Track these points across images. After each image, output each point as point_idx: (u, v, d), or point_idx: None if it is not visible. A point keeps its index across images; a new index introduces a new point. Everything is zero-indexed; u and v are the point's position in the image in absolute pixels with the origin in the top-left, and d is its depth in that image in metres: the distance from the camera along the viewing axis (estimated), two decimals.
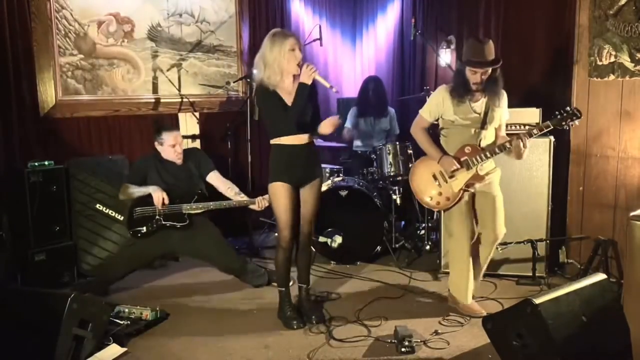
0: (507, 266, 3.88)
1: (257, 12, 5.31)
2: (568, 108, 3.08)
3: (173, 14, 4.80)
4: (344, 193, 4.30)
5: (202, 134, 4.96)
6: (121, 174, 4.12)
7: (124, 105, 4.57)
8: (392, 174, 4.44)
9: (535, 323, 2.37)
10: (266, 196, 3.30)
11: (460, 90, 3.19)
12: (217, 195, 3.80)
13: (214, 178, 3.83)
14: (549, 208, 3.79)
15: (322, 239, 4.17)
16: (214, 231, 3.79)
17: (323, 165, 4.73)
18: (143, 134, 4.60)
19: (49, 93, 4.15)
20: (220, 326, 3.28)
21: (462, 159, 3.21)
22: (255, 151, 4.96)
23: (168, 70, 4.79)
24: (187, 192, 3.74)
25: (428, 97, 3.62)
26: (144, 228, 3.68)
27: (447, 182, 3.28)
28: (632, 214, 2.72)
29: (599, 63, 3.77)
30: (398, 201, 4.49)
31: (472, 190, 3.29)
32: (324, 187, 4.37)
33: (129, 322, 3.19)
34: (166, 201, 3.62)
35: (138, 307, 3.32)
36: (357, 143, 5.13)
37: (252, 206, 3.63)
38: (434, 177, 3.31)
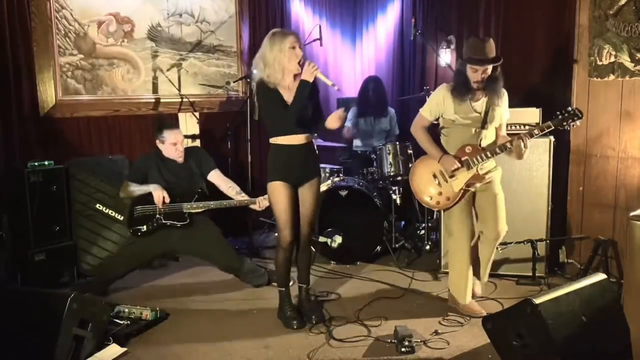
0: (507, 266, 3.88)
1: (257, 12, 5.31)
2: (569, 108, 3.08)
3: (173, 14, 4.80)
4: (344, 193, 4.30)
5: (202, 134, 4.96)
6: (121, 174, 4.13)
7: (124, 105, 4.57)
8: (392, 174, 4.44)
9: (535, 323, 2.37)
10: (267, 196, 3.30)
11: (461, 89, 3.18)
12: (218, 195, 3.80)
13: (215, 176, 3.84)
14: (549, 208, 3.79)
15: (322, 239, 4.17)
16: (214, 230, 3.79)
17: (323, 165, 4.74)
18: (143, 134, 4.60)
19: (49, 93, 4.15)
20: (220, 326, 3.28)
21: (462, 159, 3.21)
22: (255, 151, 4.96)
23: (168, 70, 4.79)
24: (188, 191, 3.74)
25: (428, 97, 3.61)
26: (144, 227, 3.68)
27: (447, 182, 3.27)
28: (632, 214, 2.72)
29: (599, 63, 3.77)
30: (398, 201, 4.49)
31: (473, 190, 3.29)
32: (324, 187, 4.37)
33: (129, 322, 3.19)
34: (167, 200, 3.63)
35: (138, 307, 3.32)
36: (357, 143, 5.13)
37: (252, 206, 3.64)
38: (434, 176, 3.30)
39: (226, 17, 5.13)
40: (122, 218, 4.09)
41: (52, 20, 4.12)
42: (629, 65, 3.60)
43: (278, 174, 3.13)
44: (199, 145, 4.84)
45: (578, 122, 3.07)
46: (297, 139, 3.12)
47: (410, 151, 4.43)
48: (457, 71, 3.29)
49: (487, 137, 3.26)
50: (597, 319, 2.45)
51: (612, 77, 3.71)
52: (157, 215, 3.67)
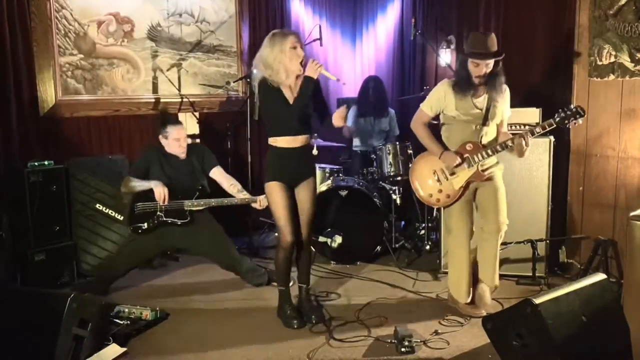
0: (507, 266, 3.88)
1: (257, 12, 5.31)
2: (571, 106, 3.06)
3: (173, 14, 4.80)
4: (344, 193, 4.30)
5: (202, 134, 4.96)
6: (121, 174, 4.12)
7: (124, 105, 4.57)
8: (392, 174, 4.44)
9: (535, 323, 2.37)
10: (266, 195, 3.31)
11: (463, 84, 3.16)
12: (219, 193, 3.80)
13: (217, 173, 3.84)
14: (549, 208, 3.79)
15: (322, 239, 4.17)
16: (215, 228, 3.80)
17: (323, 165, 4.75)
18: (143, 134, 4.60)
19: (48, 93, 4.14)
20: (220, 326, 3.28)
21: (463, 156, 3.19)
22: (255, 150, 4.96)
23: (168, 70, 4.79)
24: (189, 188, 3.74)
25: None
26: (145, 224, 3.68)
27: (447, 180, 3.26)
28: (632, 214, 2.72)
29: (599, 63, 3.77)
30: (398, 201, 4.49)
31: (474, 187, 3.27)
32: (324, 187, 4.38)
33: (128, 322, 3.19)
34: (167, 197, 3.62)
35: (138, 307, 3.32)
36: (357, 143, 5.13)
37: (253, 204, 3.65)
38: (435, 174, 3.29)
39: (226, 17, 5.13)
40: (122, 218, 4.09)
41: (52, 20, 4.12)
42: (629, 65, 3.60)
43: (274, 175, 3.15)
44: None
45: (580, 120, 3.05)
46: (296, 141, 3.13)
47: (410, 151, 4.43)
48: (458, 66, 3.26)
49: (488, 133, 3.24)
50: (597, 319, 2.45)
51: (612, 77, 3.71)
52: (158, 213, 3.67)
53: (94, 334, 2.78)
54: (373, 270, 4.18)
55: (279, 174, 3.14)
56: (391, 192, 4.49)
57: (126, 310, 3.30)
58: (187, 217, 3.69)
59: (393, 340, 2.97)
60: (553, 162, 3.77)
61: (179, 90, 4.80)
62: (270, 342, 3.04)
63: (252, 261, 4.08)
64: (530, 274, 3.77)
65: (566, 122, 3.05)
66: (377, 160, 4.54)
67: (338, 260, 4.32)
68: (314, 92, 3.06)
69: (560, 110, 3.07)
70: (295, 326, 3.20)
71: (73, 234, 4.01)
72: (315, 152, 4.39)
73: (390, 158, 4.43)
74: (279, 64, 3.01)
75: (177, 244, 3.88)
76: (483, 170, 3.23)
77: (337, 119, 3.13)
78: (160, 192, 3.61)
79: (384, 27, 5.99)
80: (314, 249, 4.03)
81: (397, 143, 4.49)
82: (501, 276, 3.84)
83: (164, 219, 3.68)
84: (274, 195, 3.15)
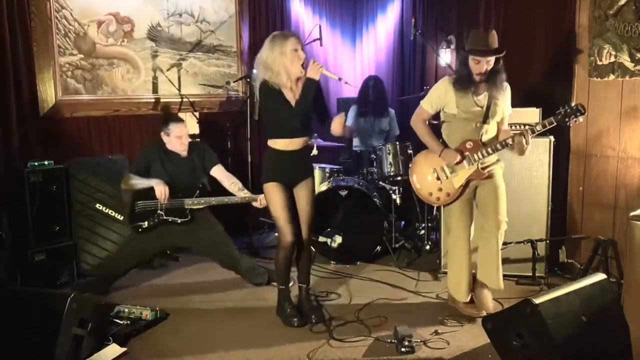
0: (507, 266, 3.85)
1: (257, 12, 5.31)
2: (572, 104, 3.05)
3: (173, 14, 4.80)
4: (344, 193, 4.30)
5: (202, 134, 4.96)
6: (121, 174, 4.11)
7: (124, 105, 4.57)
8: (392, 174, 4.44)
9: (535, 323, 2.37)
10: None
11: (464, 82, 3.15)
12: (219, 192, 3.80)
13: (218, 172, 3.84)
14: (549, 208, 3.79)
15: (322, 238, 4.17)
16: (216, 227, 3.80)
17: (323, 165, 4.76)
18: (143, 134, 4.60)
19: (48, 93, 4.15)
20: (220, 326, 3.28)
21: (464, 154, 3.18)
22: (255, 150, 4.96)
23: (168, 70, 4.79)
24: (190, 186, 3.74)
25: None
26: (145, 223, 3.68)
27: (447, 178, 3.26)
28: (632, 214, 2.72)
29: (599, 63, 3.77)
30: (398, 201, 4.49)
31: (475, 186, 3.26)
32: (324, 187, 4.38)
33: (128, 322, 3.20)
34: (168, 195, 3.61)
35: (138, 307, 3.32)
36: (357, 143, 5.12)
37: (254, 203, 3.66)
38: (435, 172, 3.28)
39: (226, 17, 5.13)
40: (122, 218, 4.09)
41: (52, 20, 4.12)
42: (629, 65, 3.60)
43: (272, 176, 3.16)
44: None
45: (581, 118, 3.04)
46: (296, 143, 3.14)
47: (410, 151, 4.43)
48: (459, 63, 3.24)
49: (489, 131, 3.22)
50: (597, 318, 2.45)
51: (612, 77, 3.71)
52: (159, 211, 3.67)
53: (94, 334, 2.78)
54: (373, 270, 4.18)
55: (277, 175, 3.15)
56: (391, 192, 4.49)
57: (126, 310, 3.30)
58: (188, 215, 3.69)
59: (393, 340, 2.97)
60: (553, 162, 3.77)
61: (179, 90, 4.80)
62: (271, 342, 3.04)
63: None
64: (530, 274, 3.77)
65: (567, 120, 3.04)
66: (377, 160, 4.54)
67: (338, 260, 4.32)
68: (315, 94, 3.06)
69: (560, 108, 3.06)
70: (295, 324, 3.20)
71: (73, 234, 4.01)
72: (315, 152, 4.40)
73: (390, 158, 4.43)
74: (280, 66, 3.01)
75: (177, 242, 3.89)
76: (483, 169, 3.21)
77: (336, 127, 3.13)
78: (161, 190, 3.61)
79: (384, 27, 5.99)
80: (314, 249, 4.03)
81: (397, 143, 4.49)
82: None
83: (165, 217, 3.68)
84: (273, 195, 3.15)
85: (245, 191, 3.75)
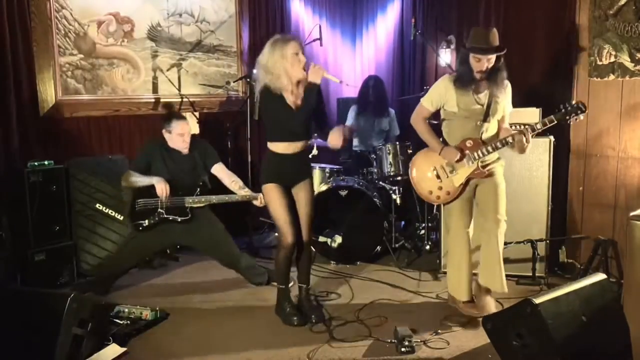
0: (507, 266, 3.81)
1: (257, 12, 5.31)
2: (573, 102, 3.04)
3: (173, 14, 4.80)
4: (344, 193, 4.30)
5: (202, 134, 4.95)
6: (121, 174, 4.12)
7: (124, 105, 4.57)
8: (392, 174, 4.44)
9: (535, 323, 2.37)
10: None
11: (464, 79, 3.13)
12: (220, 190, 3.80)
13: (219, 170, 3.84)
14: (549, 208, 3.79)
15: (322, 238, 4.17)
16: (216, 225, 3.80)
17: (323, 165, 4.75)
18: (143, 134, 4.60)
19: (48, 93, 4.14)
20: (220, 326, 3.28)
21: (464, 152, 3.17)
22: (255, 150, 4.96)
23: (168, 70, 4.79)
24: (190, 183, 3.74)
25: None
26: (146, 221, 3.67)
27: (447, 177, 3.25)
28: (632, 214, 2.72)
29: (599, 63, 3.77)
30: (398, 201, 4.49)
31: (475, 184, 3.26)
32: (324, 187, 4.38)
33: (128, 322, 3.20)
34: (168, 193, 3.61)
35: (138, 307, 3.32)
36: (357, 143, 5.13)
37: (254, 201, 3.66)
38: (435, 170, 3.28)
39: (226, 17, 5.13)
40: (122, 218, 4.09)
41: (52, 20, 4.12)
42: (629, 65, 3.60)
43: (271, 177, 3.16)
44: None
45: (581, 116, 3.02)
46: (296, 147, 3.15)
47: (410, 151, 4.43)
48: (460, 61, 3.21)
49: (489, 130, 3.20)
50: (597, 319, 2.45)
51: (612, 77, 3.71)
52: (159, 209, 3.67)
53: (94, 334, 2.78)
54: (373, 270, 4.18)
55: (276, 176, 3.16)
56: (391, 192, 4.49)
57: (126, 310, 3.30)
58: (188, 214, 3.69)
59: (393, 340, 2.97)
60: (553, 162, 3.77)
61: (179, 90, 4.80)
62: (271, 342, 3.04)
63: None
64: (530, 274, 3.77)
65: (567, 117, 3.02)
66: (377, 160, 4.54)
67: (338, 260, 4.32)
68: (316, 98, 3.05)
69: (561, 105, 3.04)
70: (295, 323, 3.20)
71: (73, 234, 4.01)
72: (315, 152, 4.40)
73: (390, 158, 4.43)
74: (281, 69, 3.00)
75: (177, 240, 3.90)
76: (484, 167, 3.19)
77: (334, 139, 3.11)
78: (162, 188, 3.60)
79: (384, 27, 5.99)
80: (314, 249, 4.03)
81: (397, 143, 4.48)
82: None
83: (165, 215, 3.68)
84: (272, 196, 3.15)
85: (246, 189, 3.75)
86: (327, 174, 4.67)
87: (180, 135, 3.74)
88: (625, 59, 3.62)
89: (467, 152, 3.17)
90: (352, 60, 6.38)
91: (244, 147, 4.95)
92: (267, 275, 3.88)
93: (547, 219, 3.79)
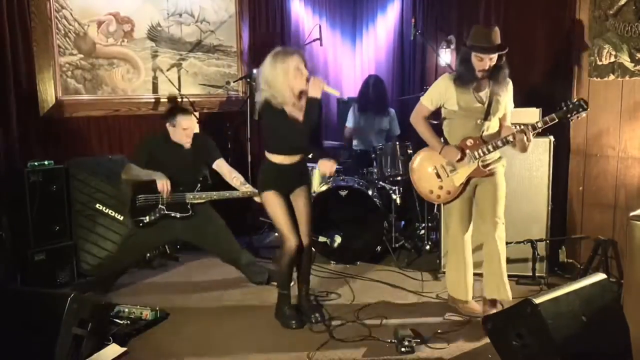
0: (507, 266, 3.86)
1: (257, 12, 5.30)
2: (575, 100, 3.01)
3: (173, 14, 4.80)
4: (344, 193, 4.30)
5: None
6: (121, 174, 4.12)
7: (124, 105, 4.57)
8: (392, 173, 4.44)
9: (535, 323, 2.37)
10: None
11: (465, 78, 3.09)
12: (221, 186, 3.80)
13: (221, 165, 3.83)
14: (549, 208, 3.79)
15: (322, 238, 4.17)
16: (217, 221, 3.80)
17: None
18: (143, 134, 4.59)
19: (48, 93, 4.14)
20: (220, 326, 3.28)
21: (464, 152, 3.15)
22: (255, 151, 4.96)
23: (168, 70, 4.78)
24: (191, 178, 3.74)
25: None
26: (147, 217, 3.67)
27: (448, 176, 3.24)
28: (632, 214, 2.72)
29: (599, 63, 3.77)
30: (398, 201, 4.49)
31: (475, 184, 3.25)
32: (324, 187, 4.38)
33: (128, 322, 3.20)
34: (169, 189, 3.60)
35: (138, 306, 3.32)
36: (357, 143, 5.13)
37: (256, 198, 3.65)
38: (435, 170, 3.27)
39: (226, 17, 5.13)
40: (122, 218, 4.09)
41: (52, 20, 4.12)
42: (629, 65, 3.60)
43: (270, 184, 3.17)
44: None
45: (583, 114, 2.98)
46: (293, 159, 3.16)
47: (410, 151, 4.43)
48: (460, 59, 3.17)
49: (490, 128, 3.18)
50: (597, 319, 2.45)
51: (612, 77, 3.71)
52: (160, 205, 3.67)
53: (94, 334, 2.78)
54: (373, 270, 4.18)
55: (274, 183, 3.17)
56: (391, 192, 4.48)
57: (126, 310, 3.30)
58: (189, 210, 3.69)
59: (393, 340, 2.97)
60: (553, 162, 3.76)
61: (179, 90, 4.80)
62: (271, 342, 3.04)
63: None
64: (530, 274, 3.77)
65: (569, 115, 2.98)
66: (377, 160, 4.54)
67: (338, 260, 4.32)
68: (318, 114, 3.04)
69: (562, 104, 3.00)
70: (294, 326, 3.20)
71: (73, 234, 4.01)
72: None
73: (390, 158, 4.43)
74: (283, 84, 2.98)
75: (178, 236, 3.90)
76: (484, 166, 3.17)
77: (324, 167, 3.17)
78: (163, 184, 3.59)
79: (384, 27, 5.99)
80: (313, 249, 4.02)
81: (397, 143, 4.48)
82: None
83: (166, 211, 3.67)
84: (273, 203, 3.16)
85: (247, 185, 3.74)
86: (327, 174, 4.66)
87: (184, 130, 3.73)
88: (625, 59, 3.62)
89: (467, 151, 3.15)
90: (352, 60, 6.38)
91: (244, 147, 4.95)
92: (267, 275, 3.88)
93: (547, 219, 3.79)
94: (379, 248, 4.34)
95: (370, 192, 4.34)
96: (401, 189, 4.49)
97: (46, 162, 3.87)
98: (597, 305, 2.50)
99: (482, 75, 3.09)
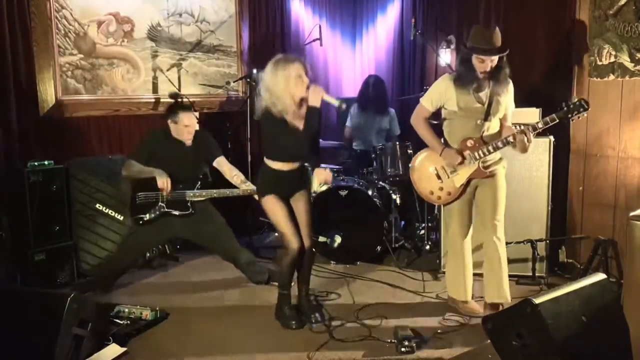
0: (507, 266, 3.87)
1: (257, 12, 5.31)
2: (575, 100, 3.00)
3: (173, 14, 4.80)
4: (344, 193, 4.30)
5: None
6: (121, 174, 4.12)
7: (124, 105, 4.57)
8: (392, 174, 4.44)
9: (535, 323, 2.36)
10: None
11: (465, 79, 3.08)
12: (221, 183, 3.80)
13: (221, 163, 3.83)
14: (549, 208, 3.79)
15: (322, 238, 4.17)
16: (217, 219, 3.80)
17: (323, 165, 4.73)
18: (143, 134, 4.58)
19: (48, 93, 4.14)
20: (220, 326, 3.28)
21: (464, 153, 3.14)
22: (255, 151, 4.96)
23: (168, 70, 4.79)
24: (191, 176, 3.73)
25: None
26: (147, 215, 3.67)
27: (448, 177, 3.24)
28: (632, 214, 2.72)
29: (599, 63, 3.77)
30: (398, 201, 4.49)
31: (475, 185, 3.25)
32: (324, 187, 4.38)
33: (128, 322, 3.20)
34: (170, 186, 3.60)
35: (138, 307, 3.32)
36: (356, 142, 5.13)
37: (256, 196, 3.65)
38: (436, 171, 3.26)
39: (226, 17, 5.13)
40: (122, 218, 4.09)
41: (52, 20, 4.12)
42: (629, 65, 3.60)
43: (270, 189, 3.17)
44: None
45: (584, 114, 2.98)
46: (292, 165, 3.16)
47: (410, 151, 4.43)
48: (461, 60, 3.15)
49: (491, 129, 3.17)
50: (597, 319, 2.45)
51: (612, 77, 3.71)
52: (160, 203, 3.67)
53: (94, 334, 2.78)
54: (373, 270, 4.18)
55: (274, 188, 3.17)
56: (391, 192, 4.48)
57: (126, 310, 3.30)
58: (189, 208, 3.68)
59: (393, 340, 2.97)
60: (553, 162, 3.76)
61: (179, 90, 4.80)
62: (271, 342, 3.04)
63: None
64: (530, 274, 3.78)
65: (570, 116, 2.97)
66: (377, 160, 4.54)
67: (338, 260, 4.32)
68: (318, 122, 3.05)
69: (563, 104, 2.99)
70: (294, 327, 3.20)
71: (73, 233, 4.01)
72: None
73: (390, 158, 4.43)
74: (284, 90, 2.98)
75: (178, 234, 3.91)
76: (485, 167, 3.17)
77: (322, 176, 3.18)
78: (164, 181, 3.59)
79: (384, 27, 5.99)
80: (314, 249, 4.02)
81: (398, 143, 4.48)
82: None
83: (166, 209, 3.67)
84: (274, 207, 3.16)
85: (248, 183, 3.74)
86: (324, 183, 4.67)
87: (186, 126, 3.73)
88: (625, 59, 3.62)
89: (467, 152, 3.15)
90: (352, 60, 6.38)
91: (244, 147, 4.95)
92: (267, 274, 3.87)
93: (547, 218, 3.79)
94: (379, 248, 4.33)
95: (370, 192, 4.34)
96: (401, 188, 4.48)
97: (46, 162, 3.87)
98: (597, 305, 2.49)
99: (484, 76, 3.08)
